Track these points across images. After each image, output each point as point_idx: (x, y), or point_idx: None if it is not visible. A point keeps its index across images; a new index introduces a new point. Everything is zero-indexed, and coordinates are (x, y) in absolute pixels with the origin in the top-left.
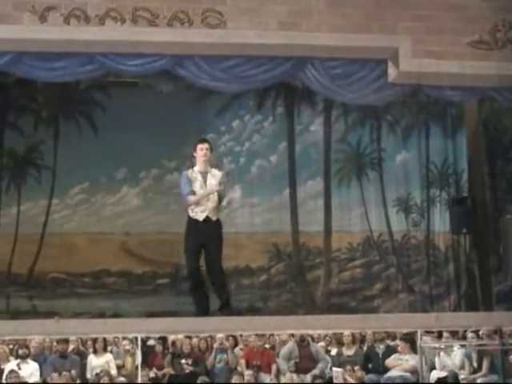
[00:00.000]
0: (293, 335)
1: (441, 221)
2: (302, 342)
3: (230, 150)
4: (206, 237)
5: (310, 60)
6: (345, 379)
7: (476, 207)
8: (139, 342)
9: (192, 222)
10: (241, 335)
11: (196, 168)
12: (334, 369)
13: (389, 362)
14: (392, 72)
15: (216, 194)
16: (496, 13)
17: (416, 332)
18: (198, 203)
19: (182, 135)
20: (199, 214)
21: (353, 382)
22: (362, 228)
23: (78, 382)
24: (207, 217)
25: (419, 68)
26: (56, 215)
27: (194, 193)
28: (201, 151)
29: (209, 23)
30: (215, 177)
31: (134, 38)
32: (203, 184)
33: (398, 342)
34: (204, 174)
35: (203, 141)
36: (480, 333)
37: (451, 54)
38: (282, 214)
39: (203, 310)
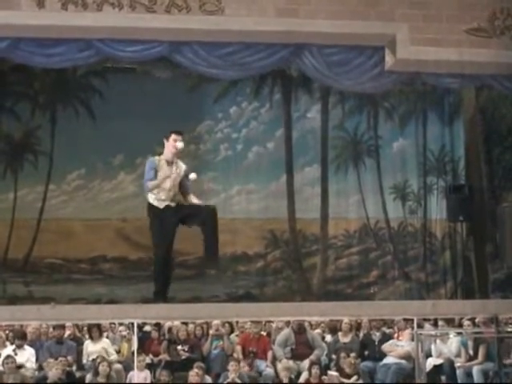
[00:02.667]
0: (289, 322)
1: (437, 208)
2: (298, 329)
3: (227, 136)
4: (173, 219)
5: (308, 47)
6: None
7: (473, 195)
8: (135, 328)
9: (153, 207)
10: (237, 322)
11: (163, 156)
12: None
13: (385, 346)
14: (389, 59)
15: (176, 181)
16: (494, 0)
17: (412, 319)
18: (157, 188)
19: (179, 122)
20: (159, 202)
21: (348, 370)
22: (359, 215)
23: (74, 367)
24: (167, 205)
25: (417, 55)
26: (53, 201)
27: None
28: (174, 142)
29: (206, 10)
30: (179, 168)
31: (131, 24)
32: (168, 173)
33: (397, 328)
34: (170, 164)
35: (179, 132)
36: (476, 320)
37: (449, 41)
38: (279, 200)
39: (163, 296)
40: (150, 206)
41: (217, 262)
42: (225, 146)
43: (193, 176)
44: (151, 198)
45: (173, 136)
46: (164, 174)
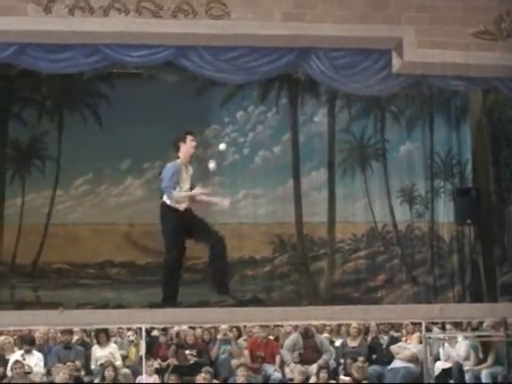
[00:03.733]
0: (297, 326)
1: (445, 211)
2: (306, 333)
3: (234, 140)
4: (188, 224)
5: (314, 51)
6: None
7: (480, 198)
8: (143, 333)
9: (171, 209)
10: (244, 326)
11: (181, 160)
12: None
13: (393, 348)
14: (396, 62)
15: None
16: (500, 3)
17: (420, 323)
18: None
19: (185, 126)
20: (178, 204)
21: (357, 374)
22: (366, 219)
23: (82, 372)
24: (186, 208)
25: (423, 58)
26: (60, 206)
27: (177, 185)
28: (191, 142)
29: (213, 14)
30: (189, 169)
31: (138, 29)
32: (185, 176)
33: (405, 331)
34: (185, 167)
35: (192, 133)
36: (484, 324)
37: (456, 44)
38: (286, 204)
39: (173, 301)
40: (167, 208)
41: (228, 289)
42: (231, 150)
43: (212, 165)
44: (168, 200)
45: (189, 137)
46: (183, 178)
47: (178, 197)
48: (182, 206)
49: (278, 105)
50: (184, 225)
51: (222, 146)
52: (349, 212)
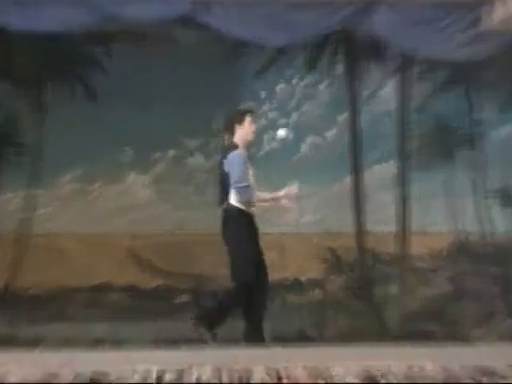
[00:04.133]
0: (355, 370)
1: None
2: (368, 379)
3: (273, 122)
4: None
5: (381, 2)
6: None
7: None
8: (154, 379)
9: (243, 214)
10: (285, 368)
11: (242, 148)
12: None
13: None
14: (487, 18)
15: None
16: None
17: None
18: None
19: (208, 104)
20: (247, 206)
21: None
22: (450, 228)
23: None
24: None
25: None
26: (41, 210)
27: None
28: (250, 124)
29: None
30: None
31: None
32: (250, 168)
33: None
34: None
35: (251, 111)
36: None
37: None
38: (342, 208)
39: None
40: (238, 212)
41: (262, 334)
42: (269, 135)
43: (282, 133)
44: (236, 201)
45: (248, 118)
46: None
47: (258, 200)
48: (250, 208)
49: (331, 75)
50: (255, 230)
51: (281, 133)
52: (427, 219)
